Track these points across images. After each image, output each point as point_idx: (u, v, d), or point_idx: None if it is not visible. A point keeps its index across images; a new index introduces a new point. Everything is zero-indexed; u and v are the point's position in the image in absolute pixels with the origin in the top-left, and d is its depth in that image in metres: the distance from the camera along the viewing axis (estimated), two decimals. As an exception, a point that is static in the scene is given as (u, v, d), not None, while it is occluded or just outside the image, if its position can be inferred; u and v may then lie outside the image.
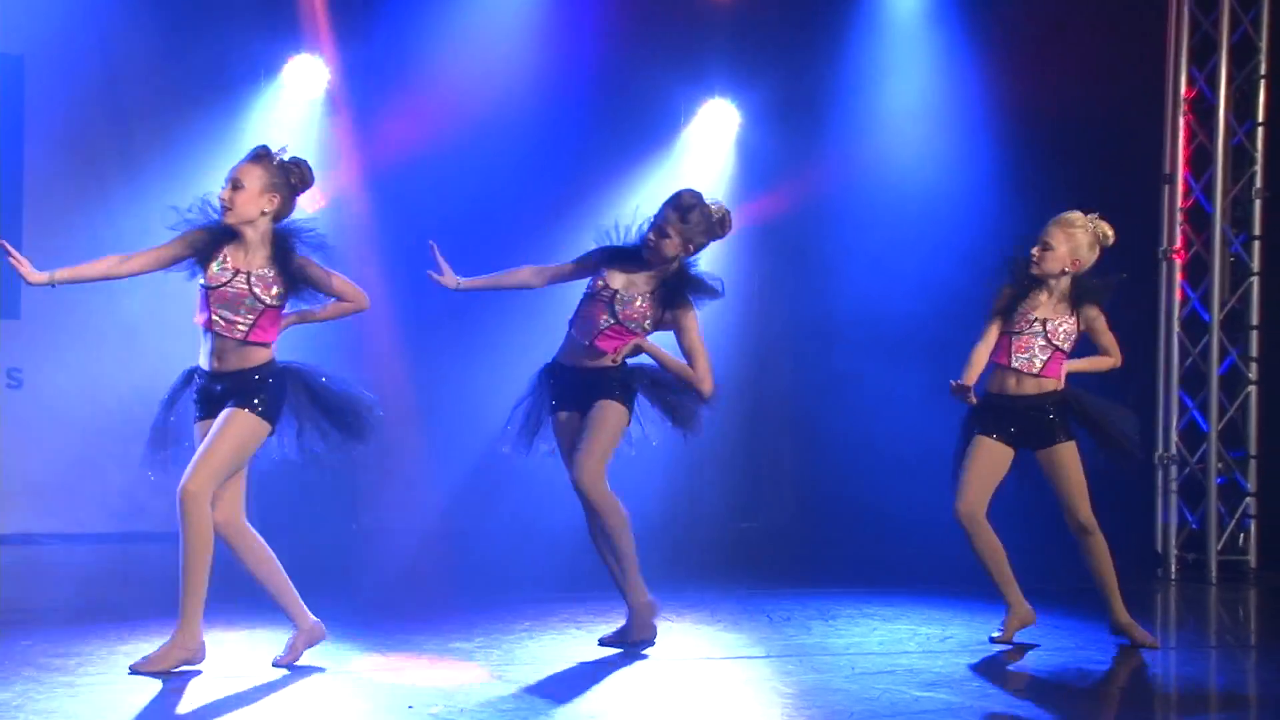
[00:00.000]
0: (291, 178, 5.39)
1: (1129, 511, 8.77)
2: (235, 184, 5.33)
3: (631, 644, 5.92)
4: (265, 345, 5.34)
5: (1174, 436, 8.86)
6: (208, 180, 9.03)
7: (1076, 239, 6.07)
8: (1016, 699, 5.26)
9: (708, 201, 6.05)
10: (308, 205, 9.27)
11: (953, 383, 5.98)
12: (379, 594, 7.25)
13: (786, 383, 10.24)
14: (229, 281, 5.29)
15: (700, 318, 6.01)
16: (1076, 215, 6.12)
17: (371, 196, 9.14)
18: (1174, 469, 8.86)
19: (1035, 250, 6.11)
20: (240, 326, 5.29)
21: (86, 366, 8.54)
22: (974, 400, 6.06)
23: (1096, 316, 6.15)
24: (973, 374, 6.07)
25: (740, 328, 10.00)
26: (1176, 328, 8.85)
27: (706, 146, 10.04)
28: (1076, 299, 6.13)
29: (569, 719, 4.63)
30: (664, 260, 5.96)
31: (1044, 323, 6.11)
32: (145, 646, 5.56)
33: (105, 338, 8.52)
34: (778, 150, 9.92)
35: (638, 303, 5.95)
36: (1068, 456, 6.13)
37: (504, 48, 9.20)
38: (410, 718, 4.60)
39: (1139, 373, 8.98)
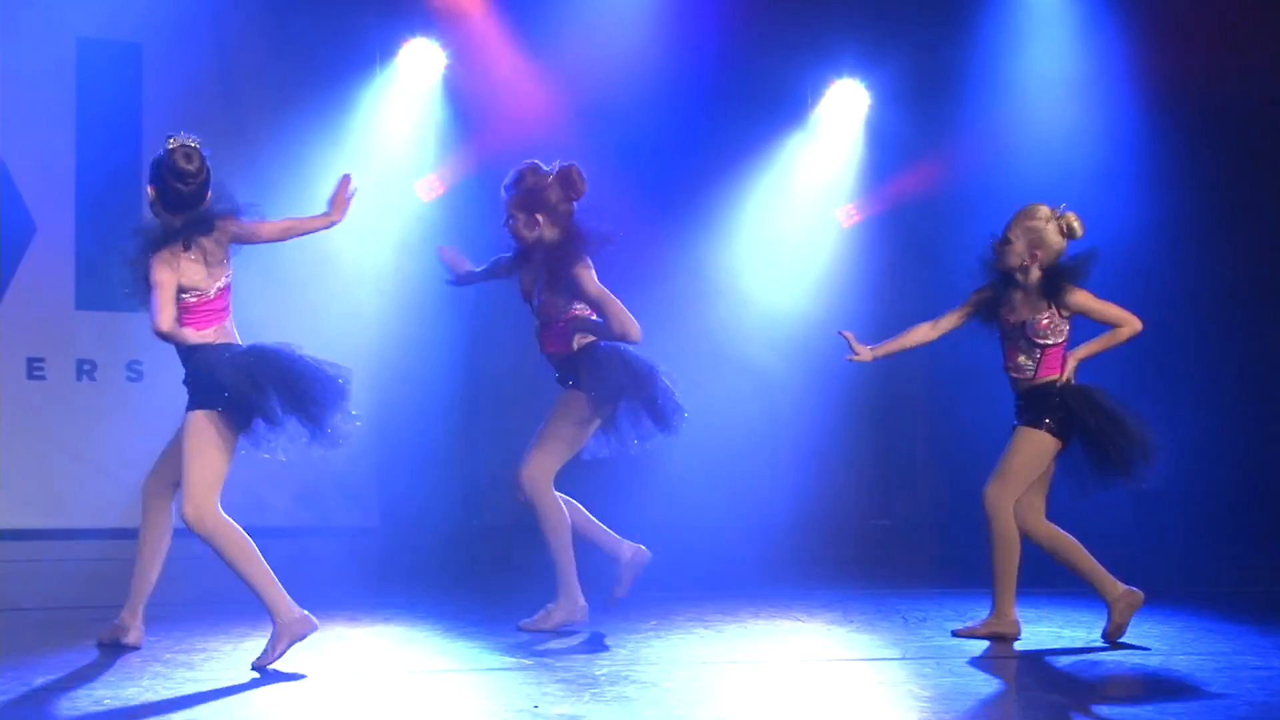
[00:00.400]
0: (161, 167, 5.28)
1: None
2: None
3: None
4: (200, 334, 5.21)
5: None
6: (321, 164, 9.13)
7: (1036, 232, 5.99)
8: (1167, 705, 5.07)
9: (547, 166, 6.01)
10: (423, 193, 9.33)
11: (840, 330, 6.20)
12: (502, 592, 7.21)
13: (920, 375, 10.05)
14: None
15: (592, 268, 5.89)
16: (1038, 208, 6.04)
17: (489, 183, 9.10)
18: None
19: (995, 245, 6.06)
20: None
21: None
22: (855, 356, 6.17)
23: (1076, 295, 6.01)
24: (891, 344, 6.21)
25: (871, 316, 9.87)
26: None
27: (835, 129, 9.91)
28: (1048, 290, 6.00)
29: (697, 722, 4.54)
30: (529, 241, 5.96)
31: (1023, 325, 6.03)
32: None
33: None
34: (909, 132, 9.78)
35: (542, 294, 5.96)
36: (1020, 439, 6.03)
37: (626, 29, 9.16)
38: (535, 718, 4.53)
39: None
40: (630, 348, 5.93)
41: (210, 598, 6.85)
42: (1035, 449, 6.00)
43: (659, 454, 8.28)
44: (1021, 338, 6.03)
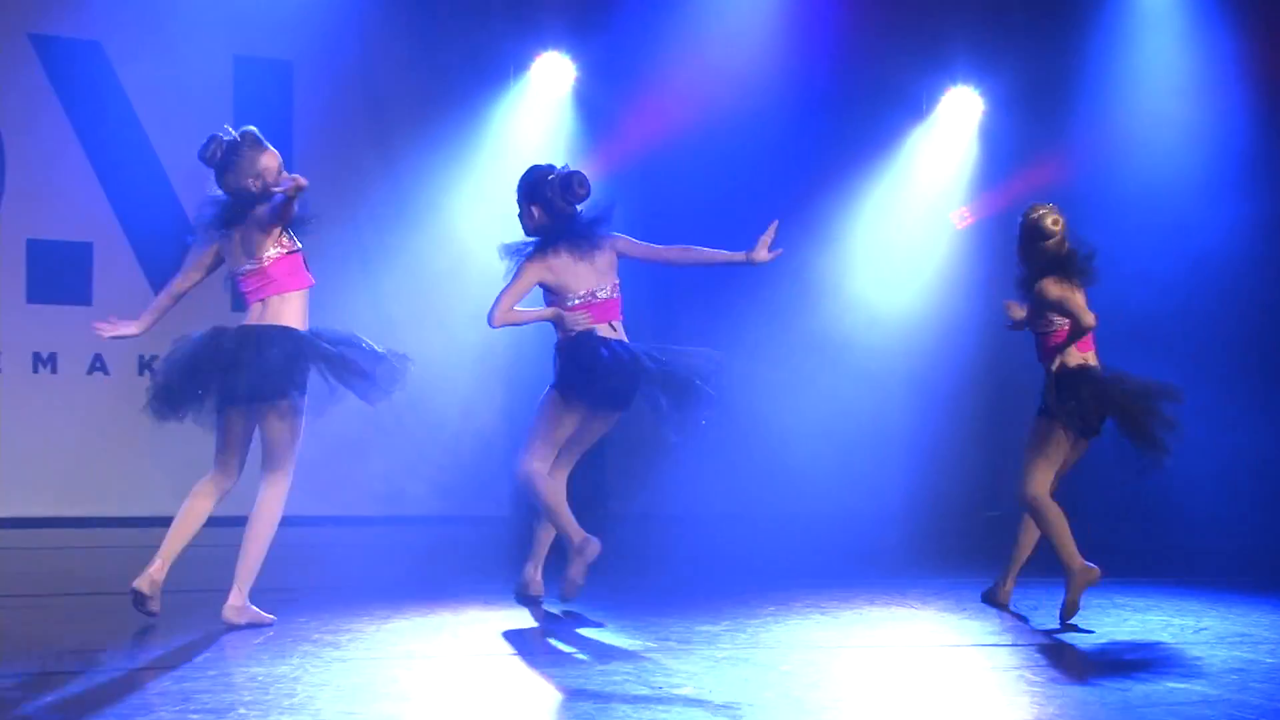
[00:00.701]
0: None
1: None
2: None
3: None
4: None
5: None
6: (460, 173, 9.42)
7: (1019, 230, 6.22)
8: (1276, 693, 5.08)
9: (560, 169, 6.25)
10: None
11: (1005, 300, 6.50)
12: (627, 577, 7.30)
13: (1030, 369, 10.10)
14: None
15: (539, 261, 6.18)
16: (1029, 209, 6.24)
17: (616, 193, 9.29)
18: None
19: None
20: None
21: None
22: (1010, 322, 6.46)
23: (1039, 285, 6.14)
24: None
25: (982, 315, 9.89)
26: None
27: (949, 135, 9.94)
28: (1028, 283, 6.21)
29: (813, 703, 4.62)
30: (532, 231, 6.25)
31: (1025, 320, 6.34)
32: (407, 624, 5.80)
33: (369, 329, 8.88)
34: (1022, 138, 9.76)
35: None
36: (1034, 428, 6.25)
37: (745, 38, 9.26)
38: (658, 700, 4.63)
39: None
40: (641, 337, 6.30)
41: (354, 581, 7.05)
42: (1043, 435, 6.23)
43: (782, 446, 8.47)
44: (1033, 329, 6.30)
